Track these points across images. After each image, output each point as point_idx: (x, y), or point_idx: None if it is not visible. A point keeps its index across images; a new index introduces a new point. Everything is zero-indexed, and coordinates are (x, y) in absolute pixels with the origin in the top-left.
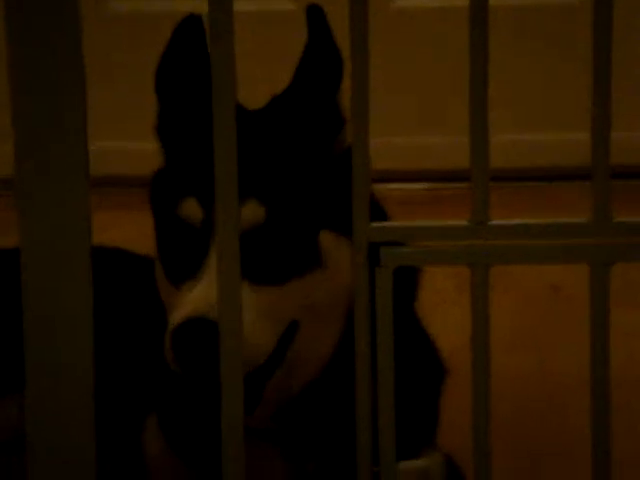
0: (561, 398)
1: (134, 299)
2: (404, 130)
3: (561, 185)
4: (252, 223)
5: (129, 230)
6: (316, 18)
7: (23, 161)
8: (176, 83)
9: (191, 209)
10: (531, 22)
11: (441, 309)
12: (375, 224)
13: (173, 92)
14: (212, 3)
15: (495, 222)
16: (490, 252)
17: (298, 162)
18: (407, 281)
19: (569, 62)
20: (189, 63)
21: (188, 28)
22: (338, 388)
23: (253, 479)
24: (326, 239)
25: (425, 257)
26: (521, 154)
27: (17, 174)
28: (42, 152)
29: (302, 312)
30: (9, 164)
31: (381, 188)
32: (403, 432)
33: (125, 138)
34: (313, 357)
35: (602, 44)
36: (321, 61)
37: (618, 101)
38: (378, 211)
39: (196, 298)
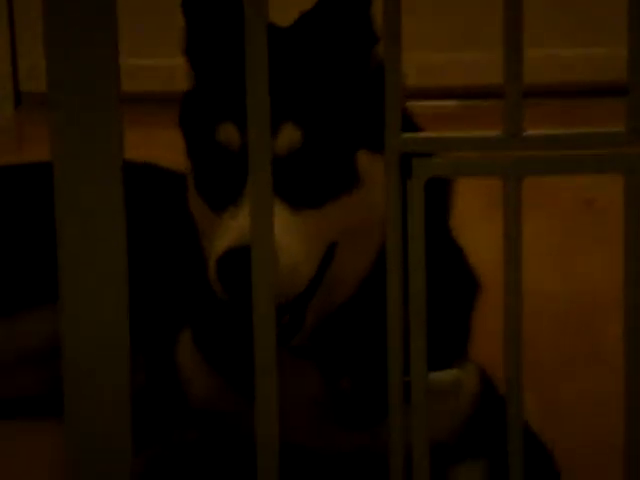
0: (593, 315)
1: (166, 212)
2: (436, 46)
3: (593, 101)
4: (289, 147)
5: (159, 148)
6: None
7: (55, 77)
8: (204, 2)
9: (229, 134)
10: None
11: (471, 226)
12: (407, 134)
13: (201, 12)
14: None
15: (528, 133)
16: (523, 163)
17: (332, 80)
18: (440, 194)
19: None
20: None
21: None
22: (373, 304)
23: (288, 393)
24: (363, 158)
25: (457, 168)
26: (552, 69)
27: (49, 90)
28: (74, 67)
29: (341, 232)
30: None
31: (412, 105)
32: (435, 344)
33: (155, 55)
34: (351, 276)
35: None
36: None
37: None
38: (411, 126)
39: (240, 226)
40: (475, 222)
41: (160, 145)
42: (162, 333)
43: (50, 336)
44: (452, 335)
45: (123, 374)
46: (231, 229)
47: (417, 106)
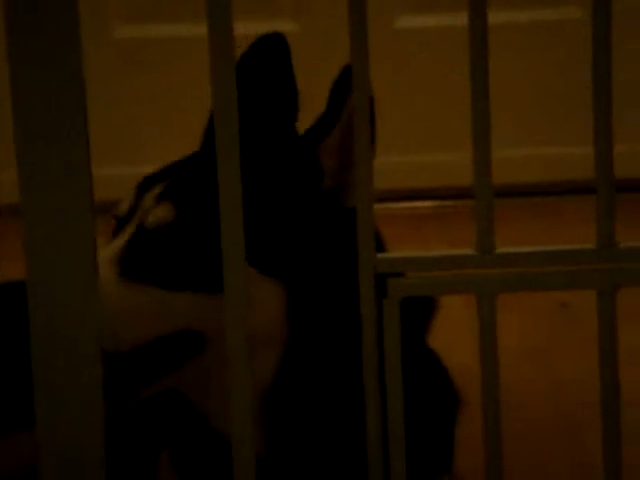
0: (574, 417)
1: None
2: (410, 148)
3: (565, 199)
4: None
5: None
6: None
7: (27, 187)
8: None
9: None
10: (535, 37)
11: (449, 327)
12: (381, 255)
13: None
14: (212, 26)
15: (501, 250)
16: (497, 280)
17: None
18: (419, 310)
19: (573, 76)
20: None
21: (270, 45)
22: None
23: None
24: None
25: (431, 287)
26: (527, 169)
27: (22, 201)
28: (46, 178)
29: (210, 329)
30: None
31: (390, 207)
32: (417, 462)
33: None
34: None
35: (601, 58)
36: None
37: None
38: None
39: None
40: (455, 321)
41: None
42: (143, 455)
43: (25, 460)
44: (433, 451)
45: None
46: None
47: (393, 207)
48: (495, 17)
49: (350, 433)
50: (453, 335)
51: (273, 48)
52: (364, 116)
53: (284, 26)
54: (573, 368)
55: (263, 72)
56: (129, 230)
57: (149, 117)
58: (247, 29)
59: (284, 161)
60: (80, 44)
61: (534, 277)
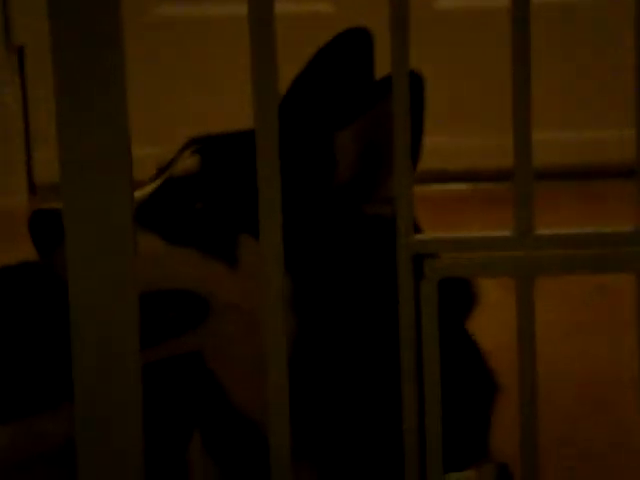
0: (612, 398)
1: None
2: (450, 130)
3: (606, 181)
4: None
5: None
6: None
7: (68, 167)
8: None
9: None
10: (573, 18)
11: (486, 308)
12: (418, 236)
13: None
14: (252, 6)
15: (539, 232)
16: (534, 263)
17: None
18: (458, 293)
19: (614, 59)
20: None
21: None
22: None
23: None
24: (245, 242)
25: (469, 268)
26: (564, 151)
27: (62, 180)
28: (86, 157)
29: (211, 296)
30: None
31: (427, 189)
32: (453, 446)
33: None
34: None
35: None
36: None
37: None
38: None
39: None
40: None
41: None
42: (175, 435)
43: (64, 436)
44: (470, 436)
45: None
46: None
47: (427, 190)
48: None
49: (375, 421)
50: (490, 316)
51: (356, 44)
52: (403, 99)
53: (319, 6)
54: (610, 349)
55: (341, 67)
56: (159, 180)
57: (188, 96)
58: (284, 8)
59: (295, 147)
60: (121, 22)
61: (573, 259)
